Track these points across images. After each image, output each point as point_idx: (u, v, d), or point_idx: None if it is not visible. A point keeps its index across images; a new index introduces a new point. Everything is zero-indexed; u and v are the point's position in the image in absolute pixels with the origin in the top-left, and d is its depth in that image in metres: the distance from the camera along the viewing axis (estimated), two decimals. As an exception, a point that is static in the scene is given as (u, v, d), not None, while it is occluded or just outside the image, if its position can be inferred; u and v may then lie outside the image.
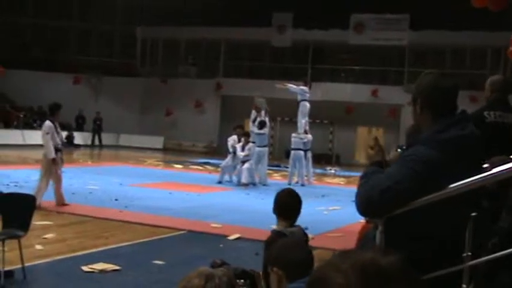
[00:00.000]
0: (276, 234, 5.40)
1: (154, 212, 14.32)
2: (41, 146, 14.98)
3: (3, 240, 7.99)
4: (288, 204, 5.60)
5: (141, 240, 11.32)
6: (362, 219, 5.70)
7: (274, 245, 3.81)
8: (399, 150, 4.42)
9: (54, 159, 14.15)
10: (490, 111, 6.15)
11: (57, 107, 14.63)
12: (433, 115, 3.60)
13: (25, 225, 8.32)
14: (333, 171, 30.66)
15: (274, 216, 14.32)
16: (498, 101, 6.34)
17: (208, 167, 28.43)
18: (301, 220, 14.82)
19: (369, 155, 3.92)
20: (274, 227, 5.82)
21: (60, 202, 14.38)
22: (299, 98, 23.44)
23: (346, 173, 28.99)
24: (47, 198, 14.13)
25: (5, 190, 10.81)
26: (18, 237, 8.22)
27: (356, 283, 1.46)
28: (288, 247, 3.75)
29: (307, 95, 23.45)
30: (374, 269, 1.48)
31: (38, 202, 12.52)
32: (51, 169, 14.21)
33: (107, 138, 41.08)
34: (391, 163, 3.80)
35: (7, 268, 8.02)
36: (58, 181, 14.44)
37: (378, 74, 40.03)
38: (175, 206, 15.48)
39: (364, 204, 3.50)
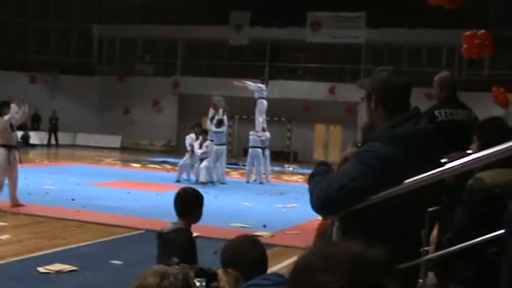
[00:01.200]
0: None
1: (112, 212, 14.21)
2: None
3: (-44, 242, 7.87)
4: (178, 201, 5.66)
5: (99, 240, 11.23)
6: (319, 217, 5.72)
7: (225, 247, 3.81)
8: (355, 147, 4.44)
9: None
10: (440, 109, 6.23)
11: (4, 104, 14.37)
12: (387, 111, 3.63)
13: (-21, 226, 8.21)
14: (291, 168, 30.75)
15: (233, 214, 14.28)
16: (447, 99, 6.43)
17: (166, 165, 28.34)
18: (260, 218, 14.72)
19: None
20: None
21: (15, 203, 14.17)
22: (256, 95, 23.49)
23: (305, 171, 29.06)
24: (1, 199, 13.93)
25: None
26: (-28, 239, 8.10)
27: (345, 272, 1.50)
28: (240, 247, 3.76)
29: (265, 92, 23.52)
30: (364, 259, 1.54)
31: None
32: (5, 168, 13.99)
33: (63, 137, 40.63)
34: (348, 159, 3.81)
35: (-39, 270, 7.91)
36: (13, 181, 14.24)
37: (335, 72, 40.20)
38: (133, 206, 15.39)
39: (320, 202, 3.50)
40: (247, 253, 3.66)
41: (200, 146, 21.28)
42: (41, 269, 8.76)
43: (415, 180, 3.30)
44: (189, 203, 5.62)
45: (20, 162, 14.49)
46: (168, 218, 13.65)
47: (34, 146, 36.96)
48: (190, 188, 5.93)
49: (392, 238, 3.37)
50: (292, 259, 10.06)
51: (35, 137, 38.10)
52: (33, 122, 40.01)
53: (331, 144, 39.14)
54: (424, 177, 3.30)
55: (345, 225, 3.51)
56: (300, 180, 24.93)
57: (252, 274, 3.49)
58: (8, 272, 8.90)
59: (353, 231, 3.42)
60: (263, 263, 3.71)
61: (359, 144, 4.24)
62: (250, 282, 3.43)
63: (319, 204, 3.52)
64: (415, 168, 3.31)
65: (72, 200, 15.63)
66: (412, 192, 3.34)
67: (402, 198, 3.36)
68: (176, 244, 5.47)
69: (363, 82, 3.88)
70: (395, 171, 3.35)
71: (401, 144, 3.44)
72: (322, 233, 4.21)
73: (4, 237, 10.90)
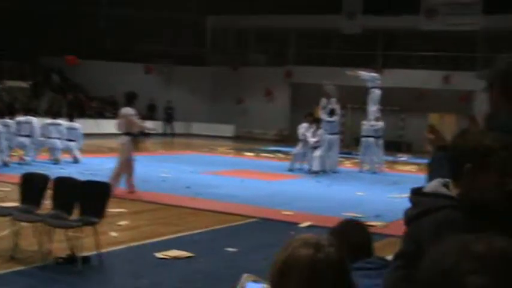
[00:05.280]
0: None
1: (226, 200, 14.42)
2: (113, 134, 15.23)
3: (80, 227, 8.18)
4: None
5: (214, 228, 11.42)
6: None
7: (331, 231, 3.85)
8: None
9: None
10: None
11: (134, 95, 14.93)
12: (510, 101, 3.51)
13: (100, 212, 8.49)
14: (404, 158, 30.38)
15: (346, 204, 14.29)
16: None
17: (279, 154, 28.47)
18: (373, 207, 14.64)
19: (430, 140, 3.86)
20: None
21: (131, 189, 14.58)
22: (369, 85, 23.28)
23: (418, 160, 28.67)
24: (120, 186, 14.36)
25: (80, 178, 10.98)
26: (94, 224, 8.39)
27: (500, 273, 1.37)
28: (345, 231, 3.81)
29: (378, 81, 23.27)
30: None
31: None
32: (129, 155, 14.48)
33: (178, 126, 41.50)
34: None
35: (84, 254, 8.20)
36: (130, 168, 14.71)
37: (449, 60, 39.34)
38: (247, 194, 15.55)
39: None
40: (351, 237, 3.72)
41: (313, 135, 21.29)
42: (158, 255, 9.00)
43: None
44: None
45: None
46: (281, 207, 13.84)
47: (150, 135, 37.81)
48: None
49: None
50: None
51: (150, 126, 38.90)
52: (149, 112, 40.95)
53: (445, 133, 38.27)
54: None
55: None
56: (414, 170, 24.60)
57: (356, 258, 3.53)
58: (127, 256, 9.19)
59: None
60: (368, 248, 3.81)
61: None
62: (354, 265, 3.45)
63: None
64: None
65: (188, 187, 15.95)
66: None
67: None
68: None
69: (481, 73, 3.78)
70: None
71: None
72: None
73: (123, 223, 11.25)
